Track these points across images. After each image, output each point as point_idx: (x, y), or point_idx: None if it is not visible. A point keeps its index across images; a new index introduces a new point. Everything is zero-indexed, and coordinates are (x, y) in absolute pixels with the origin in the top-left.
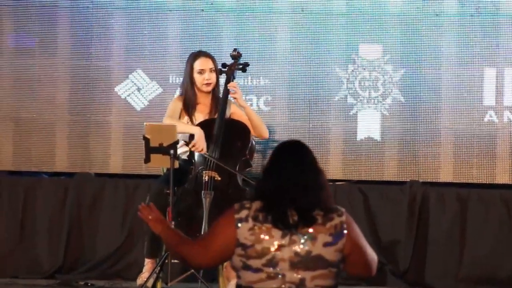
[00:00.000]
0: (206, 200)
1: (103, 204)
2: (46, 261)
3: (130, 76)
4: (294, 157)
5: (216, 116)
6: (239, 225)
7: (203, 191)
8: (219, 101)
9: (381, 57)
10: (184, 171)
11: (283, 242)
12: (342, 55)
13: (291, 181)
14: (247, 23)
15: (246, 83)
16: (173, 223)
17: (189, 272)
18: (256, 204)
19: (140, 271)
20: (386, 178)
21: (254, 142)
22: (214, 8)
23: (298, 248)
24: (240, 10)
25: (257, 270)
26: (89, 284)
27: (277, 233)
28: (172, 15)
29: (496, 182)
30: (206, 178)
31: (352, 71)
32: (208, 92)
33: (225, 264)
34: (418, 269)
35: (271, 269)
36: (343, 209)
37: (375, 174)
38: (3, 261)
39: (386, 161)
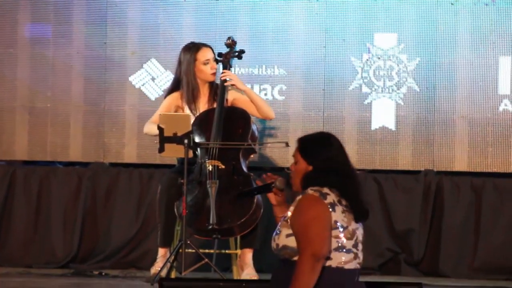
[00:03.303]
0: (212, 190)
1: (117, 193)
2: (60, 251)
3: (144, 65)
4: (343, 147)
5: (215, 105)
6: (332, 209)
7: (208, 181)
8: (218, 90)
9: (396, 46)
10: (190, 163)
11: (357, 225)
12: (357, 44)
13: (352, 170)
14: (262, 12)
15: (260, 73)
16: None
17: (203, 262)
18: (331, 191)
19: (154, 260)
20: (401, 167)
21: (255, 128)
22: None
23: (361, 231)
24: None
25: (349, 251)
26: (103, 274)
27: (352, 217)
28: (187, 4)
29: (510, 171)
30: (210, 167)
31: (367, 60)
32: (210, 82)
33: (239, 253)
34: (432, 258)
35: (355, 250)
36: None
37: (389, 163)
38: (18, 251)
39: (400, 150)
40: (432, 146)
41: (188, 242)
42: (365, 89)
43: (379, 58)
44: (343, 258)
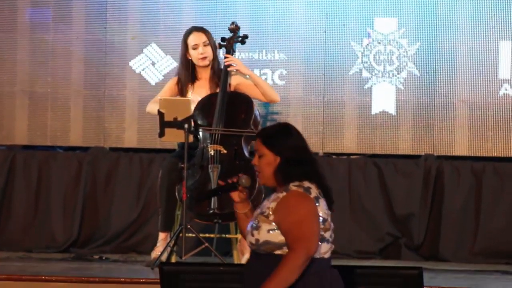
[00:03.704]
0: (213, 174)
1: (117, 178)
2: (60, 235)
3: (144, 50)
4: (302, 135)
5: (218, 90)
6: (317, 203)
7: (210, 165)
8: (220, 75)
9: (396, 31)
10: (192, 147)
11: (330, 214)
12: (357, 29)
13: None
14: None
15: (261, 57)
16: (188, 195)
17: (203, 246)
18: (311, 183)
19: (155, 245)
20: (401, 152)
21: (258, 114)
22: None
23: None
24: None
25: (327, 241)
26: (103, 258)
27: (327, 206)
28: None
29: (511, 155)
30: (212, 152)
31: (367, 44)
32: (206, 67)
33: (239, 237)
34: (432, 242)
35: (331, 239)
36: None
37: (389, 148)
38: (18, 235)
39: (400, 135)
40: (433, 131)
41: (189, 226)
42: (365, 73)
43: (379, 43)
44: (324, 249)
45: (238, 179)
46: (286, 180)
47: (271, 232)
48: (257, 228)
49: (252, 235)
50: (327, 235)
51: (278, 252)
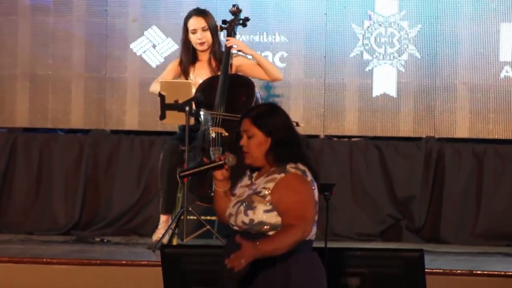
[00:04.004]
0: (215, 157)
1: (118, 161)
2: (62, 218)
3: (145, 33)
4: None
5: (219, 73)
6: (313, 187)
7: (211, 148)
8: (222, 57)
9: (397, 13)
10: (193, 130)
11: None
12: (358, 11)
13: None
14: None
15: (261, 40)
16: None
17: (204, 228)
18: (304, 166)
19: (156, 227)
20: (402, 134)
21: (259, 96)
22: None
23: None
24: None
25: (315, 223)
26: (105, 241)
27: None
28: None
29: None
30: (213, 134)
31: (368, 27)
32: (204, 51)
33: None
34: (433, 224)
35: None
36: None
37: (391, 130)
38: (19, 218)
39: (401, 117)
40: (434, 113)
41: (190, 209)
42: (366, 56)
43: (380, 25)
44: (313, 231)
45: (225, 157)
46: (278, 161)
47: (267, 213)
48: (252, 208)
49: (246, 214)
50: (316, 218)
51: (271, 233)
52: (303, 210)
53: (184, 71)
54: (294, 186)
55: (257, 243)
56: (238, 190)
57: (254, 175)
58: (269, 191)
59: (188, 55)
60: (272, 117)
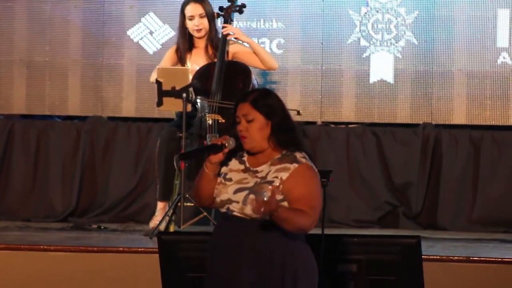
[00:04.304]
0: (214, 140)
1: (115, 147)
2: (59, 205)
3: (142, 19)
4: None
5: (216, 60)
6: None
7: (208, 135)
8: (218, 44)
9: (394, 0)
10: (192, 116)
11: None
12: None
13: None
14: None
15: (258, 26)
16: (186, 165)
17: (201, 215)
18: (307, 154)
19: (153, 214)
20: (399, 120)
21: (256, 83)
22: None
23: None
24: None
25: None
26: (102, 227)
27: None
28: None
29: (509, 123)
30: (210, 121)
31: (365, 13)
32: (201, 38)
33: None
34: (430, 211)
35: None
36: None
37: (388, 116)
38: (17, 204)
39: (399, 104)
40: (431, 99)
41: (187, 195)
42: (363, 42)
43: (377, 11)
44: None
45: (226, 140)
46: (280, 146)
47: (280, 203)
48: (264, 197)
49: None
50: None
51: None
52: (315, 201)
53: (181, 58)
54: (309, 177)
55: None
56: (232, 175)
57: (245, 159)
58: (281, 181)
59: (185, 42)
60: (270, 100)
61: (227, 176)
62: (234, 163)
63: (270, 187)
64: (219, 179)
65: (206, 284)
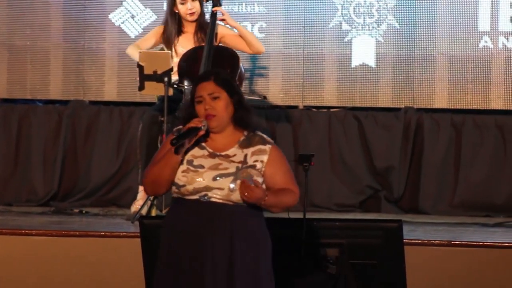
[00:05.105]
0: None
1: (97, 131)
2: (40, 189)
3: (124, 3)
4: None
5: (204, 44)
6: None
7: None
8: (207, 28)
9: None
10: (175, 100)
11: None
12: None
13: None
14: None
15: (240, 10)
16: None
17: None
18: None
19: (135, 198)
20: (381, 104)
21: (243, 69)
22: None
23: None
24: None
25: None
26: (83, 212)
27: None
28: None
29: (490, 107)
30: None
31: None
32: (193, 21)
33: None
34: (412, 195)
35: None
36: None
37: (369, 100)
38: None
39: (380, 88)
40: (412, 84)
41: None
42: (345, 26)
43: None
44: None
45: (204, 123)
46: (243, 125)
47: (263, 185)
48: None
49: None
50: None
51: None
52: (293, 176)
53: (167, 41)
54: (282, 156)
55: (266, 193)
56: (201, 161)
57: (204, 144)
58: (264, 164)
59: (175, 26)
60: (230, 79)
61: (195, 163)
62: (194, 149)
63: (255, 171)
64: (183, 167)
65: (160, 271)
